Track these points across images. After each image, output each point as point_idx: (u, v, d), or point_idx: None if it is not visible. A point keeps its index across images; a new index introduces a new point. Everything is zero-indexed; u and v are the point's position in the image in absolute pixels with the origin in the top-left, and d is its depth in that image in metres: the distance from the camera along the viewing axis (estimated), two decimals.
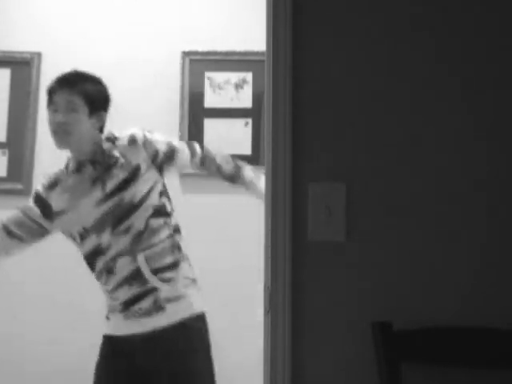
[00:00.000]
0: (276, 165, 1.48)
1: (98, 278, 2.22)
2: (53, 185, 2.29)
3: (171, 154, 2.27)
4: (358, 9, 1.54)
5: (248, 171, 2.39)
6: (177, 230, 2.24)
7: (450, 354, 1.43)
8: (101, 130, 2.30)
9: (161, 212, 2.19)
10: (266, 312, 1.47)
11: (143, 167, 2.19)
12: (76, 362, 2.87)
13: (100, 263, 2.19)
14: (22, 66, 3.27)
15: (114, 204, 2.16)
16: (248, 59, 3.21)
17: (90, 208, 2.19)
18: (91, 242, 2.20)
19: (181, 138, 3.10)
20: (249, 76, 3.24)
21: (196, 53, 3.25)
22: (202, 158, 2.35)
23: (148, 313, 2.12)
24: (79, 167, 2.23)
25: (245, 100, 3.23)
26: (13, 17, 3.32)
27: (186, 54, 3.24)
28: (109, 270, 2.16)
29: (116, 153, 2.21)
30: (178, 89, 3.23)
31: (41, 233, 2.33)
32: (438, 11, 1.54)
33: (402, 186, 1.50)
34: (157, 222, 2.17)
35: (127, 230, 2.15)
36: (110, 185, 2.17)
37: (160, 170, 2.24)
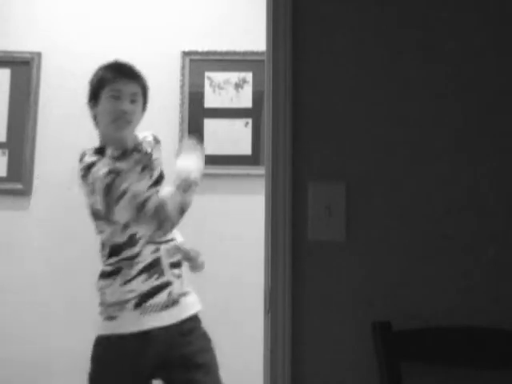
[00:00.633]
0: (276, 165, 1.48)
1: (117, 269, 2.18)
2: (89, 168, 2.17)
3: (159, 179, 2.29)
4: (358, 8, 1.54)
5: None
6: None
7: (449, 354, 1.43)
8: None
9: None
10: (266, 312, 1.47)
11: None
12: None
13: (128, 253, 2.17)
14: (21, 66, 3.27)
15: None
16: (248, 59, 3.21)
17: None
18: (130, 229, 2.16)
19: (181, 138, 3.11)
20: (249, 76, 3.24)
21: (196, 53, 3.25)
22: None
23: (165, 306, 2.14)
24: (125, 154, 2.23)
25: (245, 100, 3.23)
26: (13, 17, 3.32)
27: (185, 53, 3.24)
28: (133, 257, 2.15)
29: (148, 147, 2.26)
30: (178, 89, 3.23)
31: None
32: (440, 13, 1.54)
33: (402, 185, 1.50)
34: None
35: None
36: (155, 175, 2.22)
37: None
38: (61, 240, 3.15)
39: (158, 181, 2.24)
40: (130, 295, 2.13)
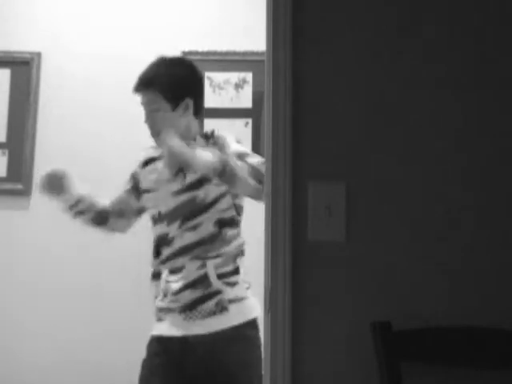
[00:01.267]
0: (276, 165, 1.48)
1: (160, 270, 2.22)
2: (146, 163, 2.37)
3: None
4: (358, 9, 1.54)
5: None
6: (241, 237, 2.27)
7: (449, 354, 1.42)
8: (196, 113, 2.31)
9: (234, 221, 2.22)
10: (266, 312, 1.46)
11: None
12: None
13: (166, 252, 2.21)
14: (21, 66, 3.27)
15: (189, 199, 2.19)
16: (248, 59, 3.22)
17: (168, 195, 2.23)
18: (161, 229, 2.24)
19: None
20: (249, 76, 3.24)
21: (196, 53, 3.25)
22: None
23: (211, 314, 2.13)
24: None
25: (245, 100, 3.23)
26: (13, 17, 3.33)
27: (185, 53, 3.24)
28: (175, 271, 2.18)
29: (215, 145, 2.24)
30: None
31: (136, 210, 2.41)
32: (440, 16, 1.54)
33: (401, 185, 1.50)
34: (231, 231, 2.20)
35: (194, 228, 2.17)
36: (189, 179, 2.20)
37: None
38: (61, 240, 3.15)
39: (202, 180, 2.18)
40: (174, 305, 2.17)
